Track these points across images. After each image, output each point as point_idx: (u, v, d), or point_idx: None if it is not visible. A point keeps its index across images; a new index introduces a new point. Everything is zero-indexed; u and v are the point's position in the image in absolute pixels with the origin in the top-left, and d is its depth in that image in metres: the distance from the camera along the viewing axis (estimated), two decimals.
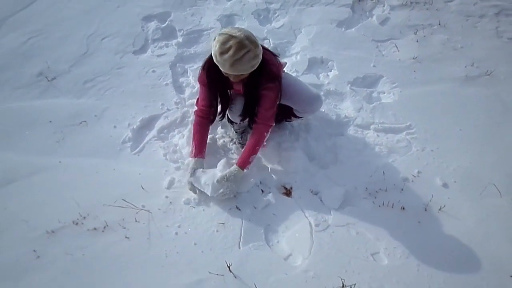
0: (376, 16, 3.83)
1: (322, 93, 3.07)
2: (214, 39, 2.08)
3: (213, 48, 2.07)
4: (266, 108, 2.36)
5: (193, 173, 2.42)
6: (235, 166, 2.40)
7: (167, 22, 3.72)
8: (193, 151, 2.48)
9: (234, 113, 2.50)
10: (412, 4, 3.96)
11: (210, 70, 2.29)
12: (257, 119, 2.39)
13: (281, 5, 3.94)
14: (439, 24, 3.73)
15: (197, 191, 2.43)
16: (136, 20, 3.72)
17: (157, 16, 3.78)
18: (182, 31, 3.63)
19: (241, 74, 2.14)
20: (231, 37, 2.01)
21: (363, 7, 3.98)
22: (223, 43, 2.02)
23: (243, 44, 2.00)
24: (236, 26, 2.99)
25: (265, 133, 2.42)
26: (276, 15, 3.87)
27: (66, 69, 3.25)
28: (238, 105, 2.46)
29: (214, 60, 2.11)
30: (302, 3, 3.97)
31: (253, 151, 2.41)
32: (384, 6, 3.96)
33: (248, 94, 2.36)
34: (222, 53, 2.03)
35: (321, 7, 3.93)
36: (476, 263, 2.17)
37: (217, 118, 2.55)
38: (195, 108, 2.54)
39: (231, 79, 2.21)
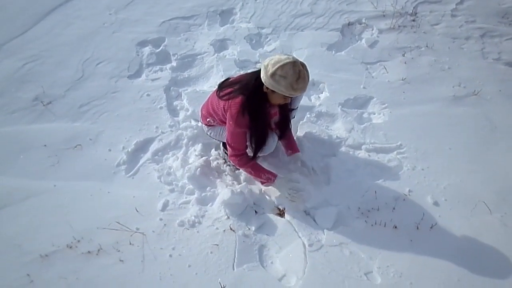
0: (365, 39, 3.93)
1: (314, 115, 3.14)
2: (274, 74, 2.06)
3: (284, 81, 2.06)
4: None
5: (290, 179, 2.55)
6: (297, 154, 2.69)
7: (161, 47, 3.80)
8: (270, 175, 2.52)
9: (266, 152, 2.60)
10: (400, 27, 4.08)
11: (253, 112, 2.28)
12: (289, 124, 2.62)
13: (273, 30, 4.04)
14: (427, 46, 3.84)
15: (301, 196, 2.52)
16: (131, 46, 3.80)
17: (151, 41, 3.87)
18: (176, 56, 3.71)
19: None
20: (292, 63, 2.05)
21: (352, 31, 4.09)
22: (294, 70, 2.05)
23: (301, 62, 2.10)
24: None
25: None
26: (268, 39, 3.97)
27: (62, 94, 3.30)
28: (273, 144, 2.59)
29: (289, 90, 2.09)
30: (293, 28, 4.07)
31: (294, 139, 2.75)
32: (372, 29, 4.08)
33: (284, 110, 2.51)
34: (297, 79, 2.06)
35: (311, 31, 4.04)
36: (469, 280, 2.18)
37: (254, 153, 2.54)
38: (230, 154, 2.47)
39: (287, 101, 2.30)
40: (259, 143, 2.44)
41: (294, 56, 2.16)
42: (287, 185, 2.51)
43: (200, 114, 2.72)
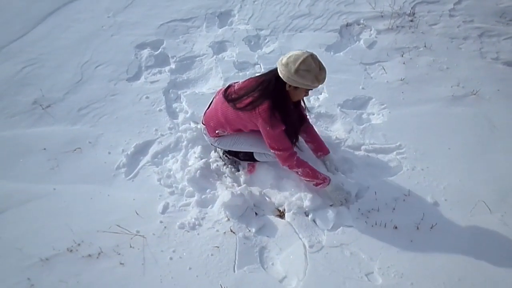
0: (364, 40, 3.94)
1: (313, 116, 3.14)
2: (298, 70, 2.12)
3: (308, 74, 2.13)
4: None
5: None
6: (330, 155, 2.75)
7: (160, 50, 3.81)
8: (324, 175, 2.50)
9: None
10: (398, 28, 4.09)
11: (282, 111, 2.31)
12: (306, 117, 2.70)
13: (271, 32, 4.04)
14: (425, 46, 3.85)
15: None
16: (129, 48, 3.80)
17: (150, 44, 3.87)
18: (175, 58, 3.71)
19: None
20: (309, 56, 2.14)
21: (351, 32, 4.10)
22: (315, 62, 2.14)
23: (315, 55, 2.18)
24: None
25: None
26: (267, 41, 3.97)
27: (61, 97, 3.30)
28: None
29: (314, 82, 2.17)
30: (292, 29, 4.08)
31: (321, 139, 2.79)
32: (371, 30, 4.08)
33: (298, 107, 2.57)
34: (320, 69, 2.16)
35: (310, 33, 4.05)
36: (470, 280, 2.18)
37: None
38: (283, 155, 2.43)
39: (307, 95, 2.40)
40: (292, 139, 2.50)
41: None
42: (339, 190, 2.52)
43: (205, 126, 2.66)
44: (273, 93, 2.27)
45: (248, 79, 2.49)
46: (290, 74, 2.13)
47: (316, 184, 2.49)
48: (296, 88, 2.23)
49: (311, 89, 2.32)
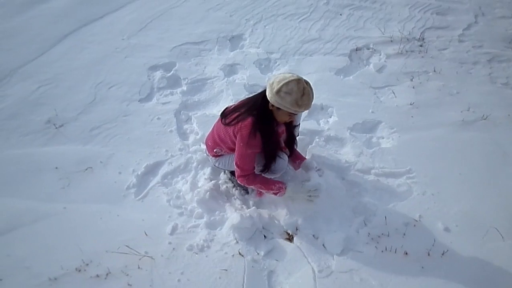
0: (373, 64, 3.98)
1: (322, 139, 3.16)
2: (279, 91, 2.12)
3: (289, 97, 2.12)
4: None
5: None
6: (305, 160, 2.73)
7: (172, 72, 3.88)
8: (280, 185, 2.50)
9: (277, 175, 2.65)
10: (407, 52, 4.13)
11: (264, 132, 2.32)
12: (295, 140, 2.70)
13: (282, 55, 4.10)
14: (434, 71, 3.87)
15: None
16: (142, 70, 3.88)
17: (162, 66, 3.95)
18: (186, 80, 3.77)
19: None
20: (296, 80, 2.12)
21: (360, 56, 4.14)
22: (298, 87, 2.11)
23: (305, 80, 2.16)
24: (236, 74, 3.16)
25: None
26: (277, 64, 4.02)
27: (74, 117, 3.36)
28: (284, 166, 2.62)
29: (294, 107, 2.14)
30: (302, 53, 4.14)
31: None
32: (380, 54, 4.13)
33: (289, 127, 2.57)
34: (302, 95, 2.13)
35: (319, 57, 4.10)
36: None
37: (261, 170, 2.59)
38: (239, 174, 2.45)
39: (292, 119, 2.37)
40: (269, 162, 2.49)
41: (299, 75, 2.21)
42: (301, 188, 2.54)
43: (206, 147, 2.72)
44: (258, 110, 2.30)
45: (246, 98, 2.57)
46: (272, 94, 2.16)
47: (275, 194, 2.51)
48: (278, 109, 2.22)
49: (294, 114, 2.26)
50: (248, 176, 2.45)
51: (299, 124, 2.84)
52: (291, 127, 2.60)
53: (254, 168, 2.46)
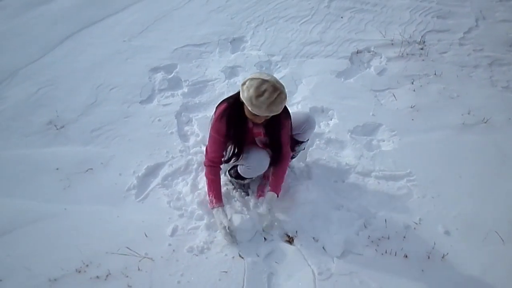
0: (374, 67, 3.98)
1: (323, 141, 3.17)
2: (244, 84, 2.14)
3: (246, 92, 2.11)
4: (286, 143, 2.54)
5: (229, 220, 2.47)
6: (271, 193, 2.56)
7: (173, 73, 3.88)
8: (214, 201, 2.50)
9: (256, 169, 2.56)
10: (408, 55, 4.14)
11: (230, 119, 2.35)
12: (282, 154, 2.53)
13: (283, 58, 4.11)
14: (435, 74, 3.88)
15: (234, 237, 2.45)
16: (143, 72, 3.88)
17: (164, 67, 3.95)
18: (187, 82, 3.78)
19: (270, 116, 2.23)
20: (263, 81, 2.10)
21: (361, 59, 4.15)
22: (258, 87, 2.09)
23: (276, 87, 2.10)
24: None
25: (289, 162, 2.67)
26: (278, 66, 4.03)
27: (75, 118, 3.36)
28: (263, 161, 2.54)
29: (249, 104, 2.12)
30: (303, 56, 4.15)
31: (282, 179, 2.61)
32: (381, 57, 4.13)
33: (272, 134, 2.46)
34: (258, 96, 2.09)
35: (320, 59, 4.11)
36: None
37: (228, 164, 2.61)
38: (204, 159, 2.55)
39: (258, 121, 2.29)
40: (239, 151, 2.48)
41: (278, 80, 2.16)
42: (219, 225, 2.46)
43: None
44: (234, 98, 2.33)
45: None
46: (240, 84, 2.19)
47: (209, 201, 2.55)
48: (243, 102, 2.20)
49: (252, 112, 2.17)
50: (207, 165, 2.51)
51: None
52: (273, 133, 2.45)
53: (218, 159, 2.49)
